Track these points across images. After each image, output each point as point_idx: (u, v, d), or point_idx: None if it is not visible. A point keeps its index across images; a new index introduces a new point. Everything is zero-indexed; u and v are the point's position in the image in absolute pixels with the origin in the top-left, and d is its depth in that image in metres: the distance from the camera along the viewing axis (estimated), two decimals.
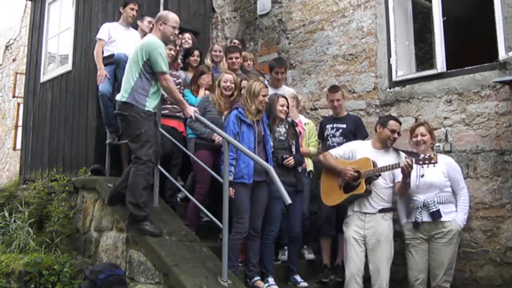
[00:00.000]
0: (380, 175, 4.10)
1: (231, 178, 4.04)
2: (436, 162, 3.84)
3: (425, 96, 4.95)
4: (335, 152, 4.41)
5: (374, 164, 4.09)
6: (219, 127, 4.32)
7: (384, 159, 4.13)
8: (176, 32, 4.17)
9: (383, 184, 4.16)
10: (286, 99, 4.59)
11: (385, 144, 4.28)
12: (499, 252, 4.33)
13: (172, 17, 4.12)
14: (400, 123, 4.38)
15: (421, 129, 4.20)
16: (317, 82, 5.98)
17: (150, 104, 4.00)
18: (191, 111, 4.12)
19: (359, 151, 4.28)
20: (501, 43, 4.40)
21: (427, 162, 3.84)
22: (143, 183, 3.96)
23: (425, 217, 4.01)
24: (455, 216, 4.02)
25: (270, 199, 4.32)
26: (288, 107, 4.55)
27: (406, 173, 3.94)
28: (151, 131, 4.02)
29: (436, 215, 3.97)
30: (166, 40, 4.12)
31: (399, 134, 4.29)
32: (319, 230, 4.88)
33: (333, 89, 5.04)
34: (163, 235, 4.06)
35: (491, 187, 4.44)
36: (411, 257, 4.11)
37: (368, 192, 4.10)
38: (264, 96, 4.33)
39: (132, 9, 5.24)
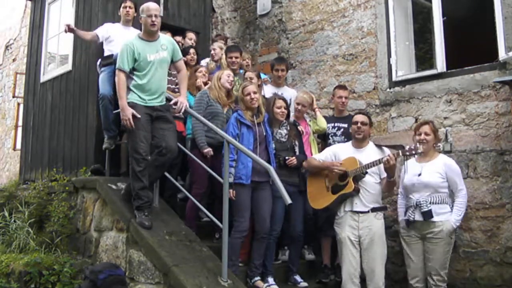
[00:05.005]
0: (367, 172, 4.09)
1: (230, 179, 4.05)
2: (422, 152, 3.88)
3: (425, 96, 4.95)
4: (318, 157, 4.44)
5: (360, 163, 4.09)
6: (222, 121, 4.51)
7: (366, 156, 4.13)
8: (154, 19, 4.14)
9: (372, 181, 4.14)
10: (285, 100, 4.60)
11: (361, 140, 4.26)
12: (499, 252, 4.33)
13: (147, 7, 4.19)
14: (368, 116, 4.38)
15: (426, 128, 4.18)
16: (317, 82, 5.98)
17: (131, 96, 4.15)
18: (128, 113, 4.06)
19: (342, 153, 4.29)
20: (501, 43, 4.41)
21: (413, 152, 3.87)
22: (133, 175, 4.13)
23: (417, 216, 4.03)
24: (448, 216, 4.01)
25: (273, 199, 4.32)
26: (286, 109, 4.56)
27: (388, 168, 3.94)
28: (141, 123, 4.08)
29: (427, 215, 3.97)
30: (148, 31, 4.19)
31: (364, 124, 4.24)
32: (319, 230, 4.88)
33: (342, 86, 5.14)
34: (163, 235, 4.07)
35: (491, 187, 4.44)
36: (409, 256, 4.12)
37: (356, 191, 4.10)
38: (247, 94, 4.33)
39: (125, 7, 5.25)
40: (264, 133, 4.38)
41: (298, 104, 4.94)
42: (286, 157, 4.43)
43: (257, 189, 4.27)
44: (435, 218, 3.97)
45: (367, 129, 4.28)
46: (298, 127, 4.77)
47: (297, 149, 4.57)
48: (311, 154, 4.86)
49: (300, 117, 5.01)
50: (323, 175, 4.28)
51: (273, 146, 4.43)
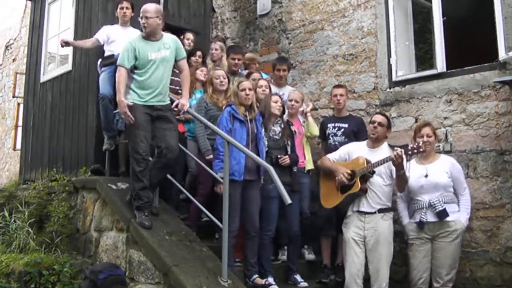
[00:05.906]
0: (374, 171, 4.09)
1: (222, 174, 4.03)
2: (424, 151, 3.90)
3: (425, 96, 4.95)
4: (332, 156, 4.44)
5: (368, 162, 4.09)
6: None
7: (379, 156, 4.12)
8: (144, 20, 4.15)
9: (380, 182, 4.14)
10: (280, 97, 4.61)
11: (376, 140, 4.26)
12: (499, 252, 4.33)
13: (142, 8, 4.23)
14: (387, 117, 4.38)
15: (427, 130, 4.20)
16: (317, 82, 5.98)
17: (131, 96, 4.15)
18: (123, 105, 4.05)
19: (355, 152, 4.29)
20: (501, 43, 4.40)
21: (415, 151, 3.88)
22: (133, 175, 4.13)
23: (430, 217, 4.03)
24: (458, 216, 4.05)
25: (266, 199, 4.32)
26: (282, 105, 4.56)
27: (397, 164, 3.94)
28: (140, 123, 4.07)
29: (442, 215, 3.99)
30: (144, 32, 4.21)
31: (381, 125, 4.25)
32: (319, 230, 4.88)
33: (338, 85, 5.15)
34: (163, 235, 4.07)
35: (491, 187, 4.44)
36: (415, 257, 4.12)
37: (363, 191, 4.10)
38: (243, 90, 4.32)
39: (122, 8, 5.24)
40: (255, 131, 4.36)
41: (290, 100, 4.95)
42: (279, 156, 4.42)
43: (246, 188, 4.25)
44: (448, 218, 3.99)
45: (383, 130, 4.27)
46: (292, 127, 4.77)
47: (289, 149, 4.56)
48: (304, 156, 4.88)
49: (294, 115, 5.00)
50: (334, 175, 4.27)
51: (265, 143, 4.40)
